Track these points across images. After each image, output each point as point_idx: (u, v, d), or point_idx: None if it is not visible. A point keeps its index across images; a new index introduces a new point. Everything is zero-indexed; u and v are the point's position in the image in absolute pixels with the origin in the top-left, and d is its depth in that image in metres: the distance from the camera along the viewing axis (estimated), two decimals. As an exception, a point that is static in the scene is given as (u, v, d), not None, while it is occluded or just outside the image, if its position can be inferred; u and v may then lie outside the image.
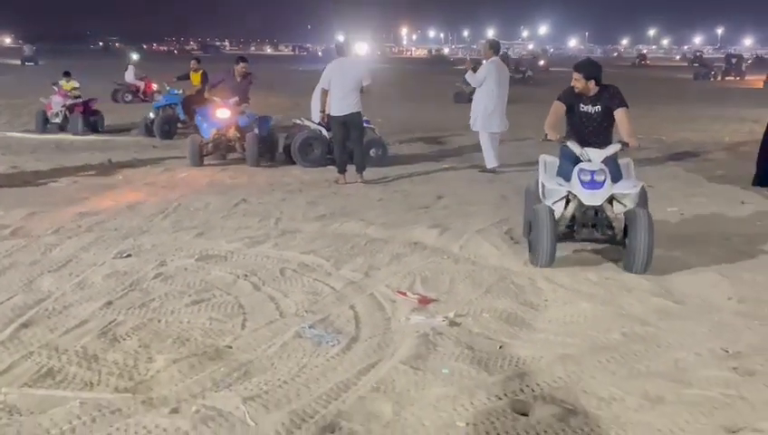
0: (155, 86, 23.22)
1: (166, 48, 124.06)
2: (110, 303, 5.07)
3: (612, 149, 6.14)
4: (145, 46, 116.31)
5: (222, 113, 11.38)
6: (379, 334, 4.60)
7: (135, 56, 26.94)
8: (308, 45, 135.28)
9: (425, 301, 5.23)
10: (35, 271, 5.79)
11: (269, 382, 3.88)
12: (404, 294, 5.36)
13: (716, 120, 20.24)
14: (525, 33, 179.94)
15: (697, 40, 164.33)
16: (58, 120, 15.50)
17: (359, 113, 10.01)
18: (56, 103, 15.54)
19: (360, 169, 10.23)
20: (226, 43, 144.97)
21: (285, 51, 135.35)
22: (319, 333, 4.58)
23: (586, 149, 6.11)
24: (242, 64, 11.76)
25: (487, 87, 10.92)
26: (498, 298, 5.34)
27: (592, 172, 5.97)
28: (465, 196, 9.34)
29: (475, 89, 11.32)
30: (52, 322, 4.70)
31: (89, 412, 3.49)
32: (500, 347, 4.42)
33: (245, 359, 4.19)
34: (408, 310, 5.03)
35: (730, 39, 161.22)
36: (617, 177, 6.20)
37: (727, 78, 51.92)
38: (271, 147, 12.03)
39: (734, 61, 55.81)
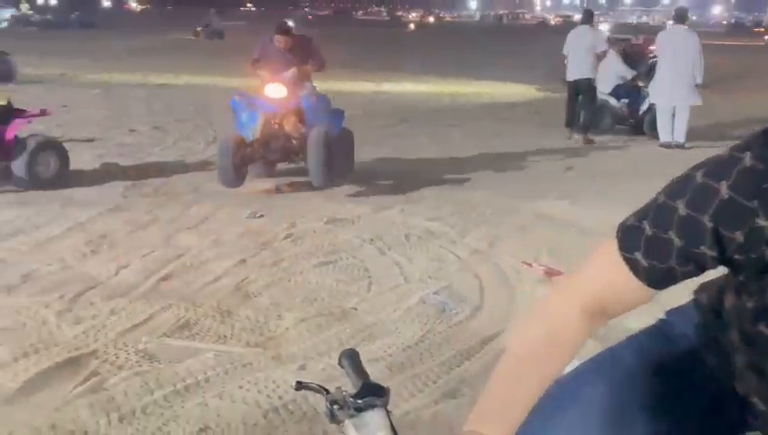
0: None
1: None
2: (243, 261, 5.27)
3: None
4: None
5: (276, 91, 7.25)
6: (503, 304, 4.57)
7: None
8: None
9: (551, 273, 5.14)
10: (174, 227, 6.10)
11: (393, 346, 3.94)
12: (529, 265, 5.28)
13: None
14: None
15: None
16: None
17: (588, 79, 10.77)
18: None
19: (583, 130, 10.80)
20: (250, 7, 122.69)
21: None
22: (443, 299, 4.60)
23: None
24: (278, 37, 7.51)
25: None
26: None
27: None
28: (595, 167, 9.07)
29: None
30: (189, 276, 4.94)
31: (222, 364, 3.66)
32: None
33: (370, 321, 4.27)
34: (533, 281, 4.96)
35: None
36: None
37: None
38: (344, 156, 7.75)
39: None
